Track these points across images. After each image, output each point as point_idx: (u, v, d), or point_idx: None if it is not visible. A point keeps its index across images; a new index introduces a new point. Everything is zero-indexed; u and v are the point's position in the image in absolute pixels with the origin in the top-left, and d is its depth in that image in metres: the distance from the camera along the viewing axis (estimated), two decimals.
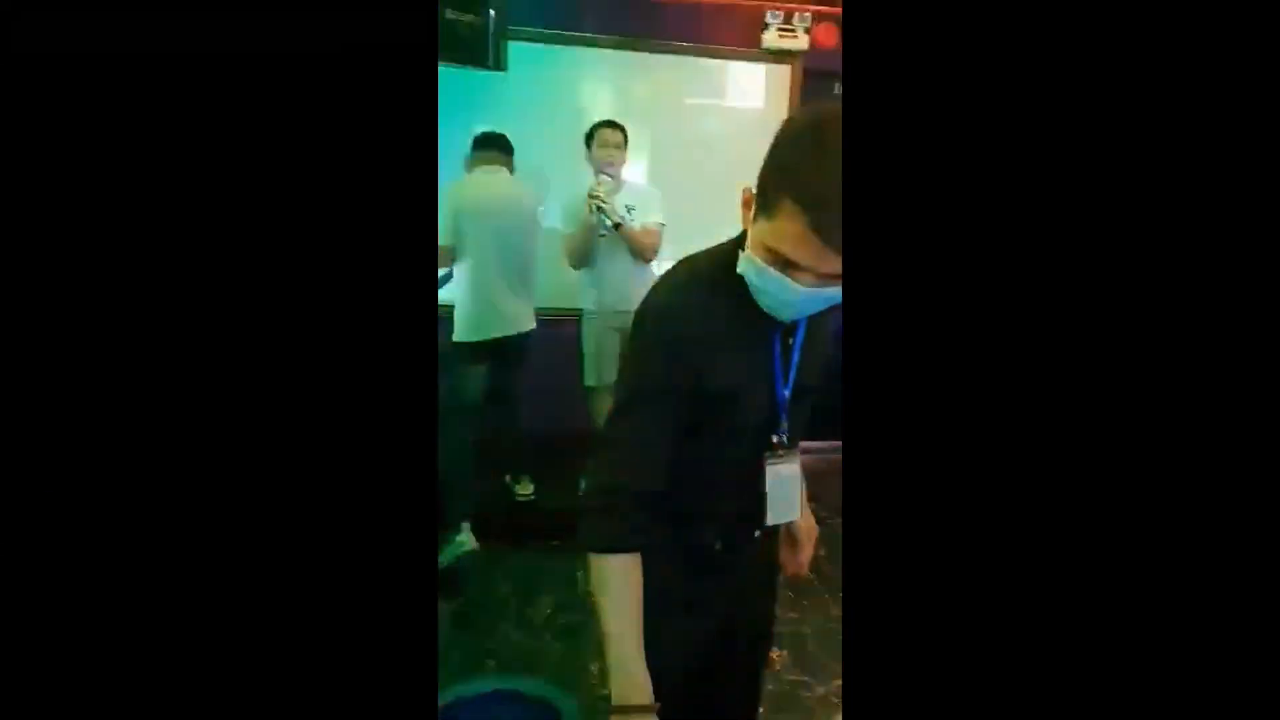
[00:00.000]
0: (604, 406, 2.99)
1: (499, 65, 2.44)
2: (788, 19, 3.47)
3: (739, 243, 0.97)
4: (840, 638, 2.29)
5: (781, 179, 0.84)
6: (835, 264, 0.83)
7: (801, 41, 3.48)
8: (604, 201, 2.67)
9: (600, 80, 3.48)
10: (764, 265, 0.88)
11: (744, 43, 3.51)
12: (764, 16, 3.46)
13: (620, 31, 3.39)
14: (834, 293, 0.88)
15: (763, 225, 0.87)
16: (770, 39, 3.47)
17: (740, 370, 0.99)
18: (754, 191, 0.90)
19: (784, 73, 3.59)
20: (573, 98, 3.47)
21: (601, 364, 2.92)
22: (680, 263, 1.03)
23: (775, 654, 2.27)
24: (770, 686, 2.11)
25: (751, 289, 0.92)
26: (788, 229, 0.83)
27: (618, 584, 0.96)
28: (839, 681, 2.14)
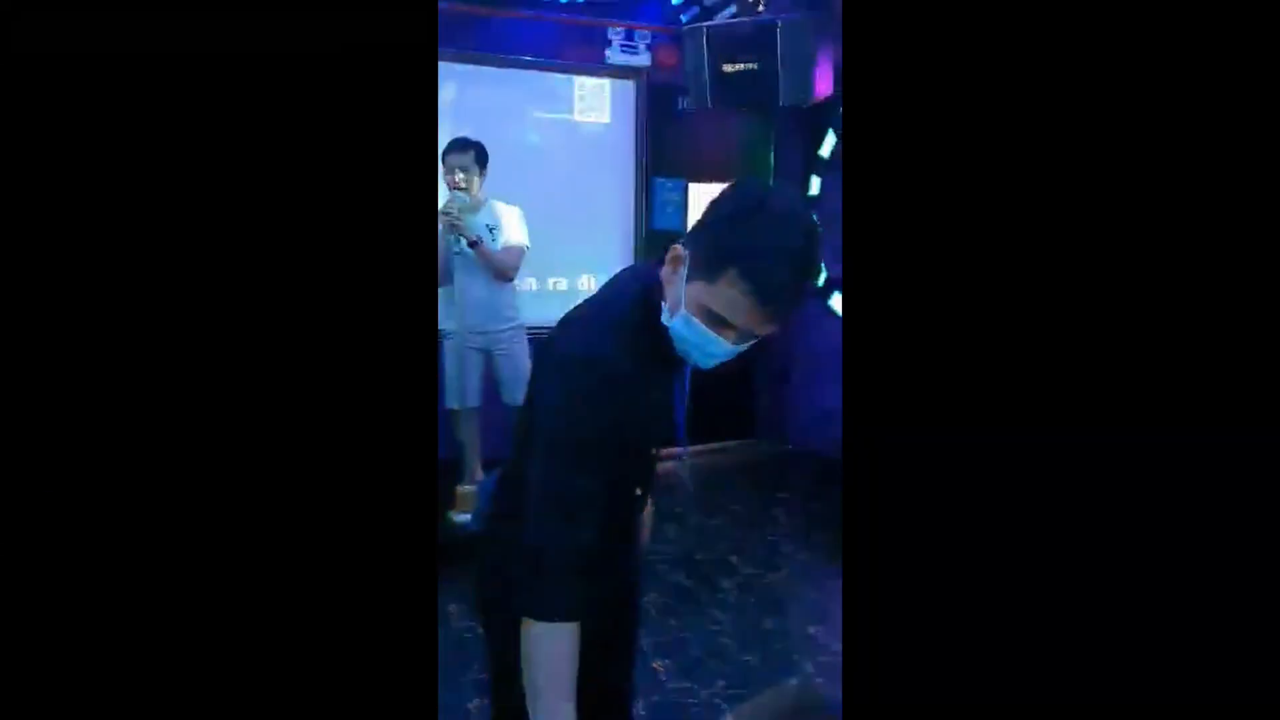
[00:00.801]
0: (468, 430, 2.94)
1: None
2: (629, 36, 3.55)
3: (648, 290, 0.99)
4: (719, 642, 2.37)
5: (729, 252, 0.87)
6: (771, 327, 0.88)
7: (644, 58, 3.58)
8: (456, 219, 2.60)
9: (450, 95, 3.37)
10: (698, 324, 0.91)
11: (590, 59, 3.55)
12: (606, 34, 3.52)
13: (470, 48, 3.32)
14: (752, 341, 0.93)
15: (700, 286, 0.90)
16: (613, 55, 3.54)
17: (657, 411, 1.03)
18: (683, 250, 0.93)
19: (627, 88, 3.66)
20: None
21: (465, 385, 2.83)
22: (591, 306, 1.03)
23: (658, 664, 2.29)
24: (655, 697, 2.13)
25: (677, 340, 0.95)
26: (728, 295, 0.87)
27: (564, 653, 0.92)
28: (723, 682, 2.20)
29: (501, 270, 2.74)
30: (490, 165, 2.78)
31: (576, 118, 3.62)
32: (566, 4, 3.39)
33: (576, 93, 3.60)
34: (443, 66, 3.29)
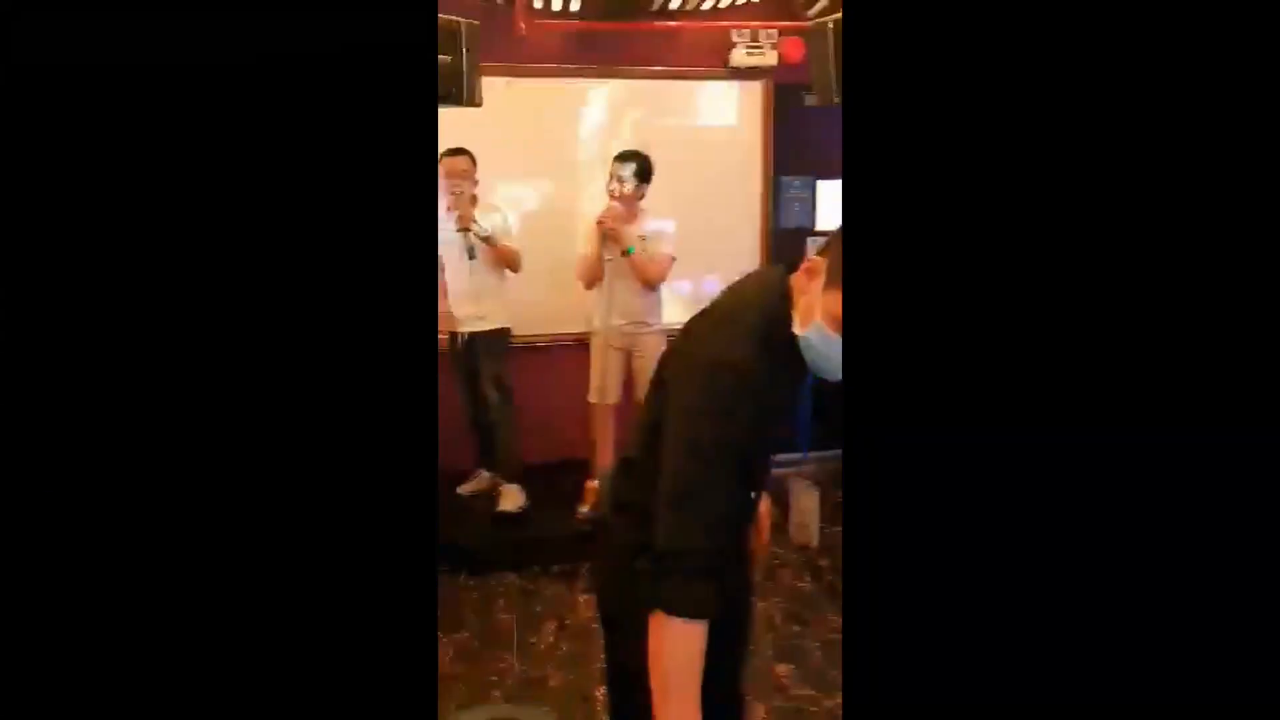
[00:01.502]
0: (602, 425, 3.07)
1: (475, 101, 2.47)
2: (754, 37, 3.53)
3: (779, 298, 1.02)
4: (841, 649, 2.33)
5: None
6: None
7: (770, 58, 3.54)
8: (612, 228, 2.78)
9: (574, 109, 3.52)
10: (831, 334, 0.93)
11: (713, 64, 3.57)
12: (730, 36, 3.52)
13: (591, 62, 3.45)
14: None
15: (834, 296, 0.92)
16: (738, 57, 3.53)
17: (782, 417, 1.07)
18: (820, 261, 0.96)
19: (754, 89, 3.64)
20: (549, 128, 3.51)
21: (605, 382, 2.98)
22: (722, 310, 1.07)
23: (781, 670, 2.29)
24: (778, 702, 2.14)
25: (807, 349, 0.98)
26: None
27: (692, 650, 0.94)
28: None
29: (650, 279, 2.91)
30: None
31: (701, 122, 3.66)
32: (692, 10, 3.43)
33: (701, 98, 3.63)
34: (565, 82, 3.44)
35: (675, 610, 0.94)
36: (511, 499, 3.10)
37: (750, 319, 1.02)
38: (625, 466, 1.17)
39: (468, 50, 2.38)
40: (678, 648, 0.94)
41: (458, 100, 2.40)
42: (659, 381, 1.10)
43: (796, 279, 1.00)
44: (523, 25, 3.14)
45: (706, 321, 1.07)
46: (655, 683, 0.95)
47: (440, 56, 2.32)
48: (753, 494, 1.18)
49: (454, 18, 2.35)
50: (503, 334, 3.05)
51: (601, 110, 3.54)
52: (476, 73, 2.43)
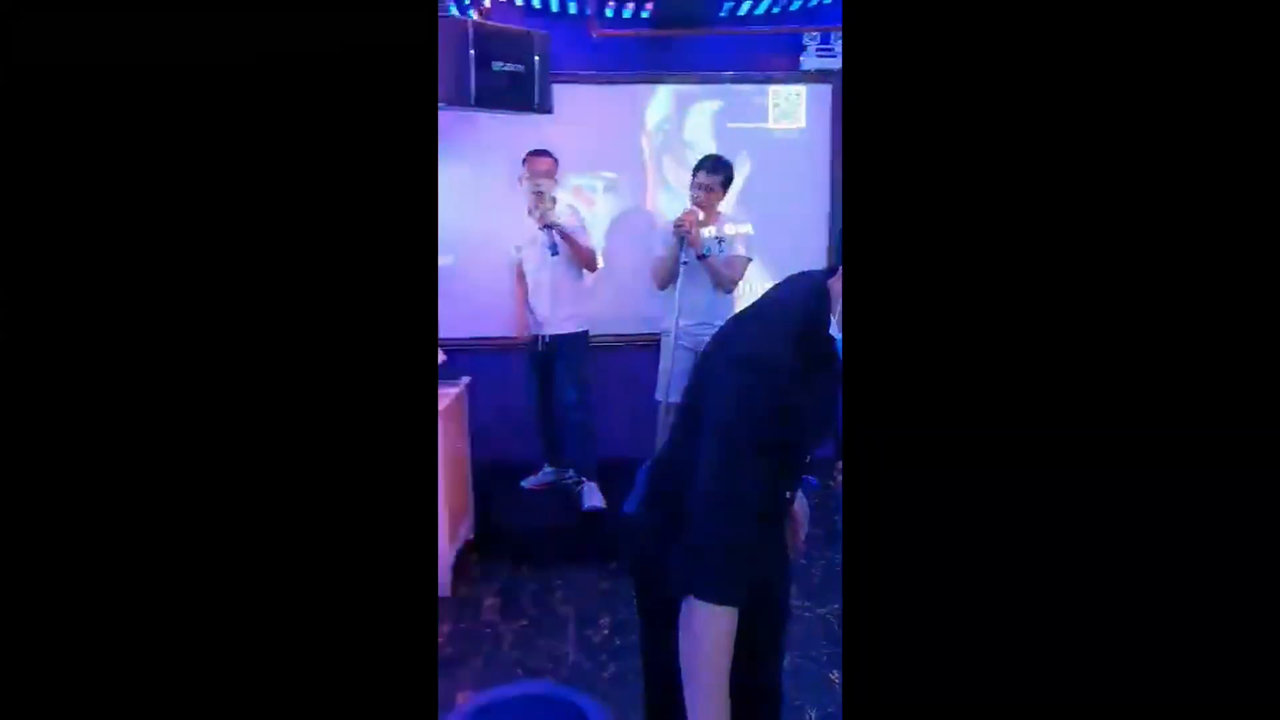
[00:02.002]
0: (668, 422, 3.12)
1: (545, 108, 2.56)
2: (825, 39, 3.51)
3: (819, 299, 1.05)
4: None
5: None
6: None
7: (839, 61, 3.51)
8: (688, 231, 2.85)
9: (644, 114, 3.59)
10: None
11: (783, 66, 3.57)
12: (801, 39, 3.51)
13: (661, 68, 3.51)
14: None
15: None
16: (809, 60, 3.52)
17: (819, 416, 1.09)
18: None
19: (824, 92, 3.62)
20: (619, 132, 3.59)
21: (673, 381, 3.05)
22: (764, 309, 1.11)
23: (834, 676, 2.27)
24: (830, 709, 2.12)
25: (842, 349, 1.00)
26: None
27: (721, 637, 0.97)
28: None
29: (726, 281, 2.99)
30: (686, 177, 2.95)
31: (771, 125, 3.66)
32: (762, 15, 3.44)
33: (771, 101, 3.64)
34: (636, 88, 3.51)
35: (704, 595, 0.97)
36: (595, 496, 3.18)
37: (787, 319, 1.05)
38: (662, 461, 1.21)
39: (539, 58, 2.47)
40: (706, 633, 0.97)
41: (529, 107, 2.50)
42: (697, 378, 1.14)
43: (834, 282, 1.03)
44: (595, 34, 3.22)
45: (745, 321, 1.11)
46: (685, 667, 0.98)
47: (513, 66, 2.42)
48: (788, 493, 1.19)
49: (525, 29, 2.46)
50: (583, 336, 3.15)
51: (672, 114, 3.59)
52: (547, 80, 2.53)
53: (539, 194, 2.92)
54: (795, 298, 1.08)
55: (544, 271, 3.04)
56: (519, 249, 3.12)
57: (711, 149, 3.57)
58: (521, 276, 3.14)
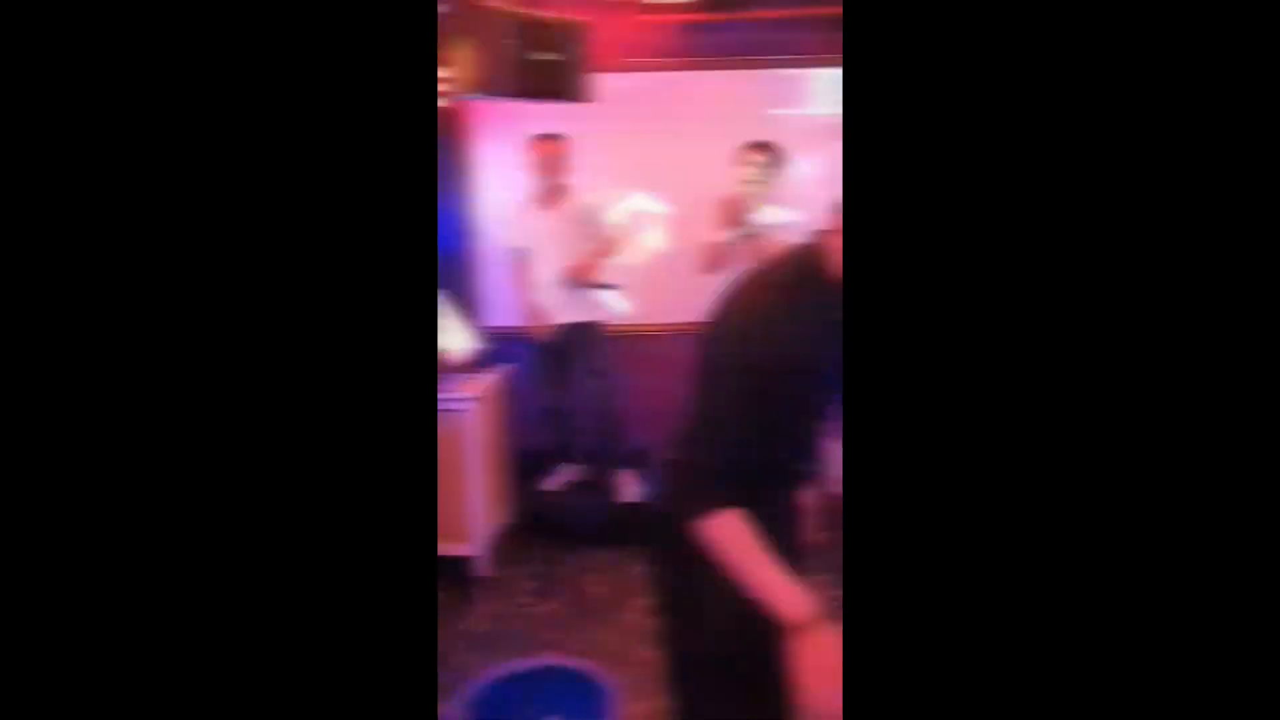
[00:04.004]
0: None
1: (583, 97, 2.58)
2: None
3: (814, 253, 1.07)
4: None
5: None
6: None
7: None
8: (736, 214, 2.86)
9: (683, 101, 3.57)
10: None
11: (824, 50, 3.50)
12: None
13: (699, 54, 3.48)
14: None
15: None
16: None
17: (817, 378, 1.09)
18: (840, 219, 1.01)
19: None
20: (660, 119, 3.58)
21: None
22: (760, 269, 1.15)
23: None
24: None
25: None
26: None
27: (742, 533, 1.02)
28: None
29: None
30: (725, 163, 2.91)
31: (812, 110, 3.60)
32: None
33: (812, 85, 3.58)
34: (677, 75, 3.48)
35: (708, 506, 1.02)
36: (631, 487, 3.15)
37: (781, 272, 1.09)
38: (678, 450, 1.22)
39: (576, 47, 2.48)
40: (728, 535, 1.02)
41: (567, 96, 2.52)
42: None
43: (828, 236, 1.04)
44: (636, 20, 3.21)
45: (744, 280, 1.13)
46: (736, 576, 1.02)
47: (551, 55, 2.44)
48: (790, 464, 1.19)
49: (564, 17, 2.47)
50: (599, 326, 3.12)
51: (714, 100, 3.56)
52: (585, 68, 2.54)
53: (549, 179, 2.85)
54: (790, 252, 1.12)
55: (559, 261, 3.00)
56: (527, 238, 3.06)
57: (753, 133, 3.54)
58: (529, 265, 3.09)
